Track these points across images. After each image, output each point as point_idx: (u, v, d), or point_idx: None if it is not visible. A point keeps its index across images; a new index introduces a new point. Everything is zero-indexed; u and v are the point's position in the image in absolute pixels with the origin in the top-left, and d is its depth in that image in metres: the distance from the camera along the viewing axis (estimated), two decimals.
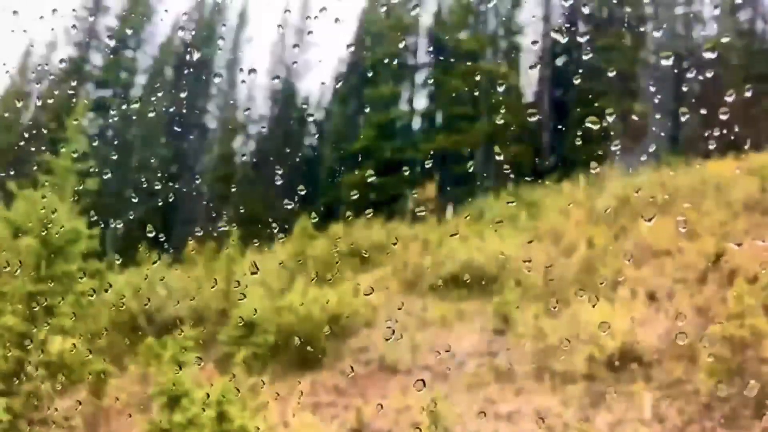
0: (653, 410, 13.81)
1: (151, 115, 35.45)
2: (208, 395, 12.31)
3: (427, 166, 32.01)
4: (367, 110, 36.24)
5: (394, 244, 23.14)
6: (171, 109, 37.59)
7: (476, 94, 32.33)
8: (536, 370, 15.69)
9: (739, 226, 18.87)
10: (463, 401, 15.08)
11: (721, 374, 13.31)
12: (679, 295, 16.68)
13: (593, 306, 16.30)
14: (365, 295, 19.31)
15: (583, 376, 15.01)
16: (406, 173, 32.74)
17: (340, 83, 41.28)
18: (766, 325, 13.34)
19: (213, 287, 20.30)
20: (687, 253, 18.04)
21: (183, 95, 38.63)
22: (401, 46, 38.77)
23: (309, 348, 18.26)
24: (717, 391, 13.25)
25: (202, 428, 12.07)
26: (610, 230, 20.30)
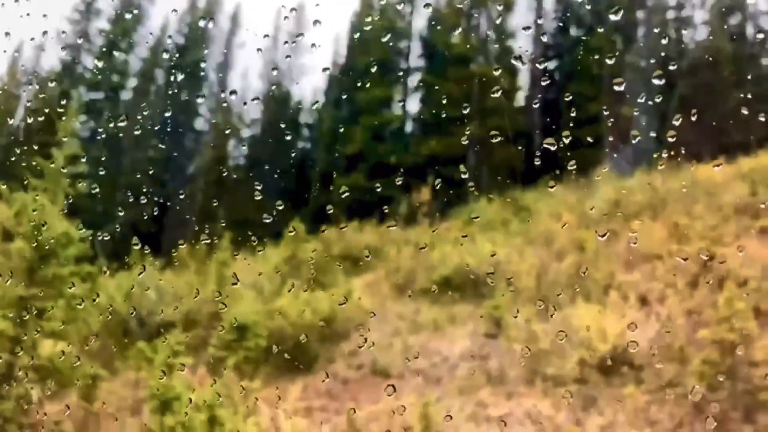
0: (643, 413, 13.87)
1: (142, 118, 35.45)
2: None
3: (419, 170, 32.03)
4: (360, 114, 36.26)
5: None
6: (163, 112, 37.53)
7: (468, 97, 32.44)
8: (528, 374, 15.73)
9: (729, 229, 18.98)
10: (455, 405, 15.09)
11: (711, 377, 13.39)
12: (670, 299, 16.75)
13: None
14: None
15: (575, 379, 15.06)
16: (399, 177, 32.76)
17: (332, 87, 41.34)
18: (756, 328, 13.43)
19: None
20: (678, 257, 18.13)
21: (174, 98, 38.59)
22: (393, 49, 38.84)
23: (300, 352, 18.24)
24: (707, 394, 13.33)
25: None
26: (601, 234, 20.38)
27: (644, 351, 15.24)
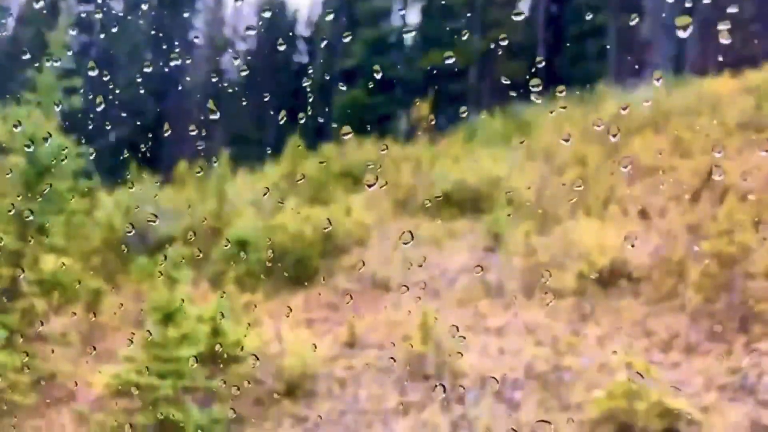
0: (640, 325, 14.09)
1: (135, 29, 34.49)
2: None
3: (419, 84, 31.43)
4: (358, 26, 35.26)
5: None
6: (155, 24, 36.49)
7: (470, 7, 31.47)
8: (526, 287, 15.91)
9: (732, 143, 18.77)
10: (454, 316, 15.33)
11: (708, 290, 13.53)
12: (671, 212, 16.75)
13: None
14: None
15: (573, 291, 15.23)
16: (398, 91, 32.19)
17: None
18: (755, 240, 13.47)
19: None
20: (680, 171, 18.02)
21: (167, 10, 37.41)
22: None
23: (301, 266, 18.38)
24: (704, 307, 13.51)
25: (197, 343, 12.25)
26: (603, 148, 20.17)
27: (643, 264, 15.35)
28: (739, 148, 18.92)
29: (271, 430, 13.25)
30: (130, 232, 18.79)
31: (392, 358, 14.10)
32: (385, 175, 23.73)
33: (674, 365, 12.92)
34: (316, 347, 14.41)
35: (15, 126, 15.20)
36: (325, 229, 18.71)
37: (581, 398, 12.15)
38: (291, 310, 15.88)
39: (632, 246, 15.33)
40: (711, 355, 12.89)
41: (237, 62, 39.11)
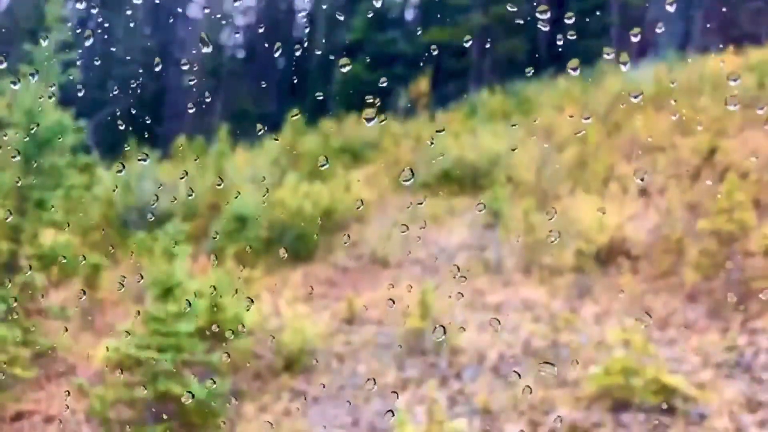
0: (638, 302, 14.13)
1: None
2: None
3: (420, 60, 31.16)
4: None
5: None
6: None
7: None
8: (525, 264, 15.93)
9: (733, 122, 18.67)
10: (452, 293, 15.35)
11: (707, 268, 13.55)
12: (671, 190, 16.71)
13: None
14: None
15: (571, 269, 15.25)
16: (399, 67, 31.89)
17: None
18: (754, 219, 13.47)
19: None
20: (681, 149, 17.95)
21: None
22: None
23: (301, 242, 18.37)
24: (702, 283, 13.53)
25: (196, 317, 12.29)
26: (604, 126, 20.09)
27: (642, 241, 15.36)
28: (742, 126, 18.84)
29: (270, 403, 13.35)
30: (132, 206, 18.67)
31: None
32: (384, 149, 23.70)
33: (671, 342, 12.99)
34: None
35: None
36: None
37: (578, 374, 12.22)
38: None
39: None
40: (708, 333, 12.95)
41: (236, 36, 38.78)
